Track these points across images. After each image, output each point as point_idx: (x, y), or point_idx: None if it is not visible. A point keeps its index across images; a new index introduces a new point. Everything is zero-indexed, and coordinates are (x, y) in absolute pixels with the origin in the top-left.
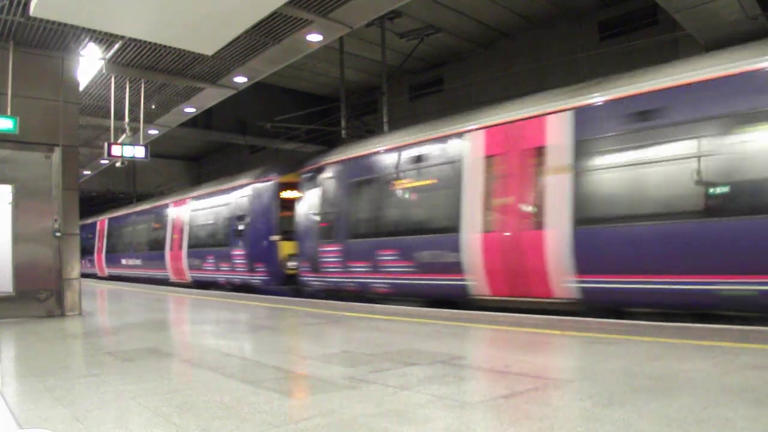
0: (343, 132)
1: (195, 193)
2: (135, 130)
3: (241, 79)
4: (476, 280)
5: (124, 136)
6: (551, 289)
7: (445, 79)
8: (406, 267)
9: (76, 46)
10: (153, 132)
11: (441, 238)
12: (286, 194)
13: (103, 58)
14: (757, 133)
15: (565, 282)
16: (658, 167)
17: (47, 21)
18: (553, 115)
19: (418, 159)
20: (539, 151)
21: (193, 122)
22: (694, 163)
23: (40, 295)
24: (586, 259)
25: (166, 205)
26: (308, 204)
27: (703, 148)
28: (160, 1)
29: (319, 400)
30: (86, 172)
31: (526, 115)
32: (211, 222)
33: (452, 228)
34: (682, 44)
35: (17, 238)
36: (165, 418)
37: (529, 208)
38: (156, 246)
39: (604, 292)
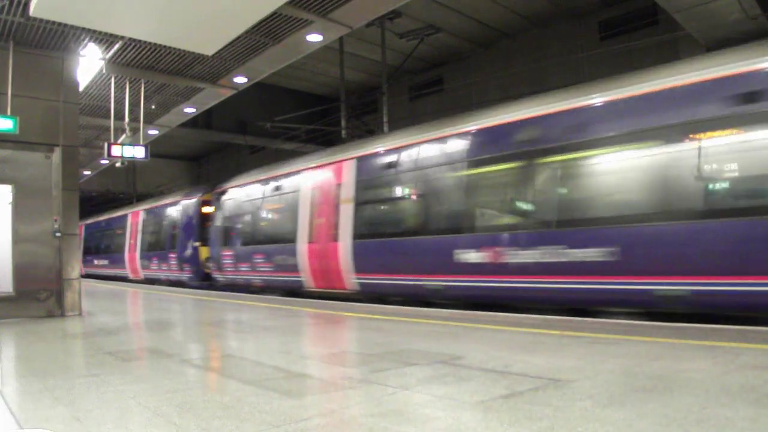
0: (343, 132)
1: (144, 206)
2: (135, 130)
3: (241, 79)
4: (305, 277)
5: (124, 136)
6: (345, 283)
7: (445, 79)
8: (270, 267)
9: (76, 46)
10: (153, 132)
11: (287, 247)
12: (206, 209)
13: (103, 58)
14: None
15: (351, 278)
16: (397, 201)
17: (47, 21)
18: (345, 161)
19: (276, 188)
20: (338, 187)
21: (193, 122)
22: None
23: (40, 295)
24: (360, 263)
25: (126, 215)
26: (215, 218)
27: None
28: (160, 2)
29: (319, 400)
30: (86, 172)
31: (333, 160)
32: (155, 230)
33: (292, 239)
34: (682, 44)
35: (17, 238)
36: (165, 418)
37: (331, 226)
38: (118, 249)
39: (371, 285)
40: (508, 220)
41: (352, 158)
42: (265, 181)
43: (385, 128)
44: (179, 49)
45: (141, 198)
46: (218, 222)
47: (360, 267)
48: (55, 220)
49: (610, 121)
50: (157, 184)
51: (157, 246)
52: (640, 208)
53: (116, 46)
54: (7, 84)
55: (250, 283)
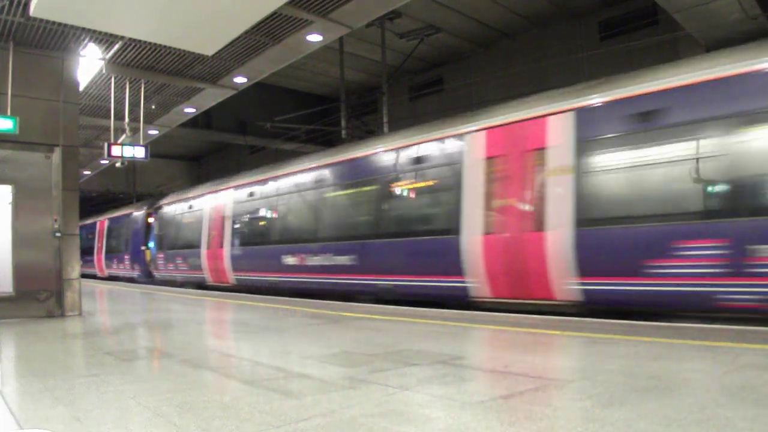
0: (343, 132)
1: (108, 216)
2: (135, 130)
3: (241, 80)
4: (206, 275)
5: (124, 136)
6: (228, 279)
7: (445, 79)
8: (186, 267)
9: (76, 46)
10: (153, 132)
11: (195, 251)
12: (150, 220)
13: (103, 58)
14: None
15: (231, 275)
16: (259, 221)
17: (47, 21)
18: (223, 191)
19: (189, 207)
20: (222, 208)
21: (193, 122)
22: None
23: (40, 295)
24: (236, 264)
25: (95, 223)
26: (153, 227)
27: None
28: (160, 2)
29: (319, 400)
30: (86, 172)
31: (217, 188)
32: (115, 236)
33: (198, 246)
34: (682, 44)
35: (17, 239)
36: (165, 418)
37: (220, 237)
38: (89, 251)
39: (243, 280)
40: (302, 236)
41: (228, 188)
42: (183, 200)
43: (386, 128)
44: (179, 49)
45: (140, 198)
46: (155, 230)
47: (236, 267)
48: (55, 220)
49: (349, 176)
50: (157, 184)
51: (116, 249)
52: (364, 231)
53: (116, 46)
54: (7, 84)
55: (175, 279)
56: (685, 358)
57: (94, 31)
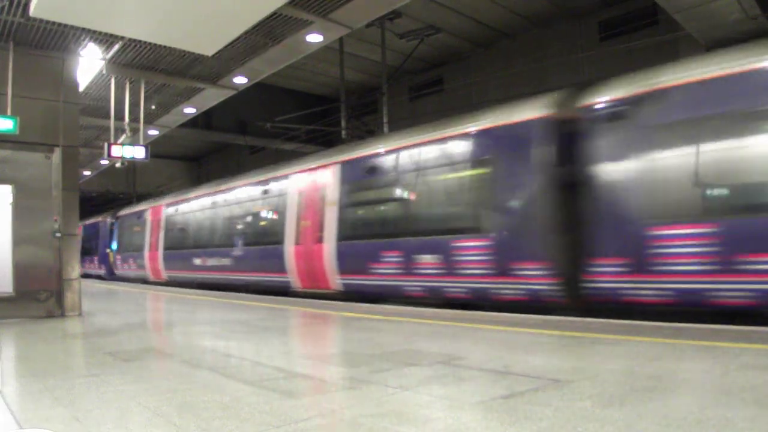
0: (343, 132)
1: (84, 222)
2: (135, 131)
3: (241, 80)
4: (148, 273)
5: (124, 136)
6: (161, 276)
7: (445, 79)
8: (135, 266)
9: (76, 47)
10: (153, 132)
11: (140, 254)
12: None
13: (103, 59)
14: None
15: (164, 273)
16: (181, 231)
17: (47, 21)
18: (156, 207)
19: (138, 217)
20: (172, 216)
21: (193, 122)
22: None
23: (40, 295)
24: (167, 265)
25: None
26: (114, 233)
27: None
28: (160, 2)
29: (319, 400)
30: (86, 173)
31: (154, 205)
32: (89, 240)
33: (142, 248)
34: (682, 44)
35: (17, 239)
36: (165, 418)
37: (156, 241)
38: None
39: (174, 277)
40: (199, 243)
41: (161, 205)
42: (135, 212)
43: (385, 129)
44: (179, 50)
45: (141, 198)
46: (116, 236)
47: (167, 267)
48: (55, 221)
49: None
50: (157, 185)
51: (89, 251)
52: (233, 241)
53: (116, 47)
54: (7, 84)
55: (128, 277)
56: (685, 358)
57: (94, 31)
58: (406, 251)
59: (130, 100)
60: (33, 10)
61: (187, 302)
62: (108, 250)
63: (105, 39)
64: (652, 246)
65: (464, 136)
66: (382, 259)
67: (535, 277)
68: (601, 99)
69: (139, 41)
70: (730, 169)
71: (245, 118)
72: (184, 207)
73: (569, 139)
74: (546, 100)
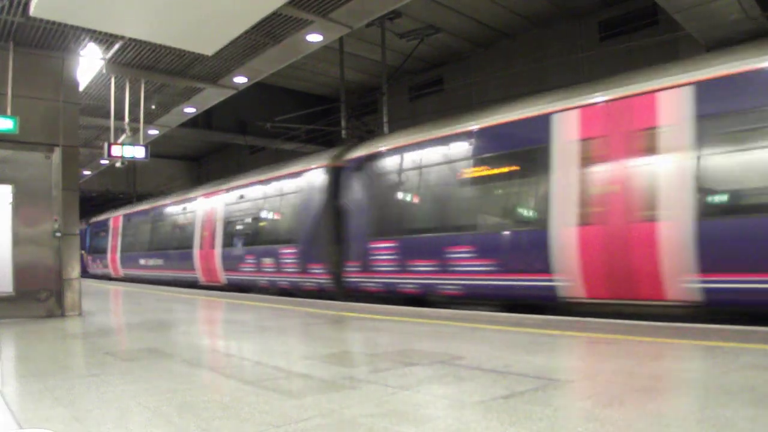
0: (343, 132)
1: None
2: (135, 131)
3: (241, 79)
4: (111, 271)
5: (124, 136)
6: (118, 273)
7: (445, 79)
8: (102, 265)
9: (76, 46)
10: (153, 132)
11: (103, 255)
12: (92, 230)
13: (103, 58)
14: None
15: (120, 271)
16: (135, 237)
17: (47, 21)
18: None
19: (104, 224)
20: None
21: (193, 122)
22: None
23: (40, 295)
24: (123, 265)
25: None
26: (88, 236)
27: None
28: (160, 2)
29: (319, 400)
30: (86, 172)
31: (116, 214)
32: None
33: (105, 250)
34: (682, 44)
35: (17, 239)
36: (165, 418)
37: (115, 245)
38: None
39: (130, 275)
40: (151, 247)
41: (119, 215)
42: (102, 220)
43: (386, 128)
44: (179, 49)
45: (141, 198)
46: (87, 239)
47: (123, 266)
48: (55, 220)
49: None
50: (157, 184)
51: None
52: (161, 246)
53: (116, 46)
54: (7, 84)
55: (98, 275)
56: (685, 358)
57: (94, 31)
58: (257, 255)
59: (130, 100)
60: (33, 10)
61: (187, 302)
62: (82, 251)
63: (105, 39)
64: (370, 253)
65: (281, 177)
66: (246, 261)
67: (320, 274)
68: (352, 155)
69: (139, 41)
70: (405, 206)
71: (245, 118)
72: (134, 218)
73: (338, 181)
74: (328, 154)
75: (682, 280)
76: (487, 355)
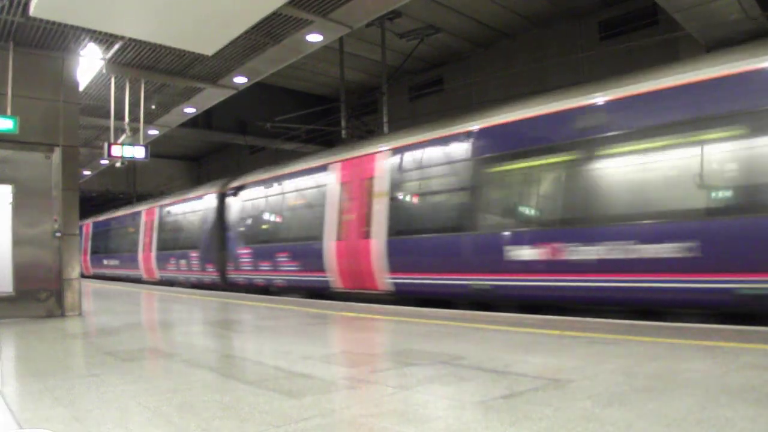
0: (343, 132)
1: None
2: (135, 131)
3: (241, 79)
4: (83, 270)
5: (124, 136)
6: (90, 271)
7: (445, 79)
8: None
9: (76, 46)
10: (153, 132)
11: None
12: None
13: (103, 58)
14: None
15: (91, 270)
16: (112, 242)
17: (47, 21)
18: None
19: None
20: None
21: (193, 122)
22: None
23: (40, 295)
24: (93, 264)
25: None
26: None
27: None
28: (160, 2)
29: (319, 400)
30: (86, 172)
31: (99, 219)
32: None
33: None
34: (682, 44)
35: (17, 239)
36: (165, 418)
37: (87, 248)
38: None
39: (99, 274)
40: (120, 249)
41: (92, 222)
42: (103, 224)
43: (386, 128)
44: (179, 49)
45: (141, 198)
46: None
47: (92, 265)
48: (55, 220)
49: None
50: (157, 184)
51: None
52: (118, 248)
53: (116, 46)
54: (7, 84)
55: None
56: (685, 358)
57: (94, 31)
58: (176, 257)
59: (130, 100)
60: (33, 10)
61: (186, 302)
62: None
63: (105, 39)
64: (239, 257)
65: (189, 199)
66: (170, 262)
67: (213, 272)
68: (230, 186)
69: (139, 41)
70: (253, 223)
71: (245, 118)
72: (99, 224)
73: (223, 203)
74: (220, 183)
75: (384, 277)
76: (487, 355)
